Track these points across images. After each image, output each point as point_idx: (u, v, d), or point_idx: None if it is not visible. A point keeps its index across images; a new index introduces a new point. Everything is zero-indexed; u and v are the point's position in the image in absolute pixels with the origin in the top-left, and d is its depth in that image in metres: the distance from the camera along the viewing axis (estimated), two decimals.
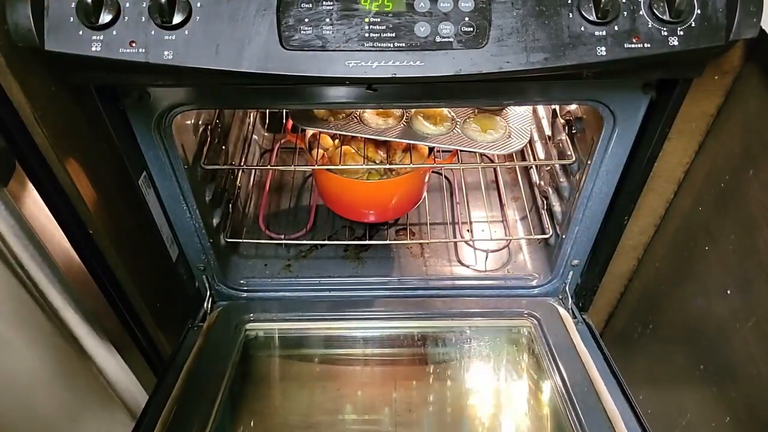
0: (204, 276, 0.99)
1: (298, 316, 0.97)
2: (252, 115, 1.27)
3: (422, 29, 0.58)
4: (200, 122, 0.93)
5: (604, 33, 0.57)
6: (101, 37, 0.56)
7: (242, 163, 1.16)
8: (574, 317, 0.97)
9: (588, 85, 0.69)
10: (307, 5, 0.58)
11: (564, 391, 0.83)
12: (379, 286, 1.04)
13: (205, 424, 0.78)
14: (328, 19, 0.58)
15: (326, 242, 1.11)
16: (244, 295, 1.03)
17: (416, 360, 0.97)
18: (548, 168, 1.07)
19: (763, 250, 0.66)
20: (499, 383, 0.93)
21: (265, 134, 1.34)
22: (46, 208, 0.67)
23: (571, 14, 0.57)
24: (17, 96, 0.58)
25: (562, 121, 0.97)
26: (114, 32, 0.56)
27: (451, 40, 0.58)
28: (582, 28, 0.57)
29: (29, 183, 0.65)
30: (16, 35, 0.55)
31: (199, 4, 0.56)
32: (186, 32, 0.56)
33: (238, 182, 1.14)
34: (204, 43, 0.56)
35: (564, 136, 0.96)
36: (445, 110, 0.96)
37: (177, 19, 0.56)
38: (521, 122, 0.95)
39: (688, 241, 0.81)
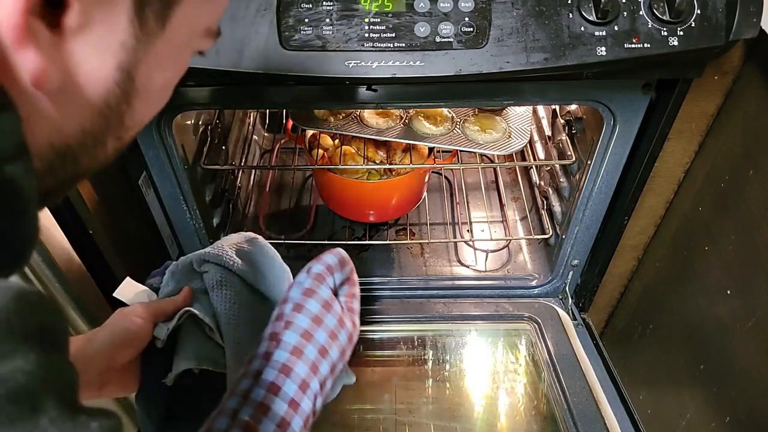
0: None
1: None
2: (252, 115, 1.27)
3: (422, 29, 0.58)
4: (200, 122, 0.93)
5: (604, 33, 0.57)
6: None
7: (242, 164, 1.16)
8: (574, 318, 0.97)
9: (588, 85, 0.69)
10: (307, 5, 0.58)
11: (563, 400, 0.83)
12: (379, 286, 1.04)
13: None
14: (328, 19, 0.58)
15: (326, 242, 1.11)
16: None
17: (417, 362, 0.97)
18: (548, 168, 1.07)
19: (763, 250, 0.66)
20: (499, 389, 0.93)
21: (265, 134, 1.34)
22: (46, 209, 0.68)
23: (571, 14, 0.57)
24: None
25: (562, 121, 0.97)
26: None
27: (451, 40, 0.58)
28: (582, 28, 0.57)
29: None
30: None
31: None
32: None
33: (238, 182, 1.14)
34: None
35: (564, 137, 0.96)
36: (445, 110, 0.96)
37: None
38: (521, 122, 0.95)
39: (688, 241, 0.81)
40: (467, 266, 1.09)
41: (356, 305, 0.58)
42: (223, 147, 1.04)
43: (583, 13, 0.57)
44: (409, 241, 1.12)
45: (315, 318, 0.51)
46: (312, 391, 0.48)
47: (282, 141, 1.29)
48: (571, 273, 0.98)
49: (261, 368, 0.48)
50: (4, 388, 0.19)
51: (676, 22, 0.57)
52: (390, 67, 0.58)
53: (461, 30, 0.58)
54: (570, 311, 0.98)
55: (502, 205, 1.18)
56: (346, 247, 1.11)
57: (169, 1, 0.29)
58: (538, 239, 1.07)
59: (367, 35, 0.58)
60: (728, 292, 0.73)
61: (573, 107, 0.93)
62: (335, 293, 0.57)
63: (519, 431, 0.89)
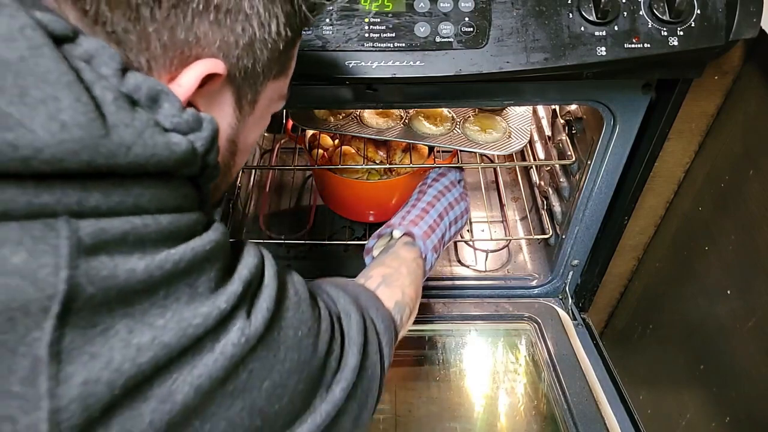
0: None
1: None
2: None
3: (422, 29, 0.58)
4: None
5: (604, 33, 0.57)
6: None
7: None
8: (574, 318, 0.97)
9: (588, 85, 0.69)
10: None
11: (563, 400, 0.83)
12: None
13: None
14: (328, 19, 0.58)
15: (326, 242, 1.11)
16: None
17: (417, 362, 0.97)
18: (548, 168, 1.07)
19: (763, 250, 0.66)
20: (499, 389, 0.93)
21: (265, 134, 1.34)
22: None
23: (571, 14, 0.57)
24: None
25: (562, 121, 0.97)
26: None
27: (451, 40, 0.58)
28: (582, 28, 0.57)
29: None
30: None
31: None
32: None
33: (238, 182, 1.14)
34: None
35: (564, 137, 0.95)
36: (445, 110, 0.96)
37: None
38: (521, 122, 0.95)
39: (688, 241, 0.81)
40: (467, 266, 1.09)
41: (468, 200, 0.87)
42: None
43: (583, 13, 0.57)
44: None
45: (445, 187, 0.83)
46: (444, 224, 0.79)
47: (282, 141, 1.29)
48: (571, 273, 0.98)
49: (415, 202, 0.80)
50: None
51: (676, 22, 0.57)
52: (390, 67, 0.58)
53: (461, 30, 0.58)
54: (570, 311, 0.98)
55: (502, 205, 1.18)
56: (346, 247, 1.13)
57: (257, 92, 0.41)
58: (538, 239, 1.07)
59: (367, 35, 0.58)
60: (728, 292, 0.73)
61: (573, 107, 0.93)
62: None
63: (519, 431, 0.89)
